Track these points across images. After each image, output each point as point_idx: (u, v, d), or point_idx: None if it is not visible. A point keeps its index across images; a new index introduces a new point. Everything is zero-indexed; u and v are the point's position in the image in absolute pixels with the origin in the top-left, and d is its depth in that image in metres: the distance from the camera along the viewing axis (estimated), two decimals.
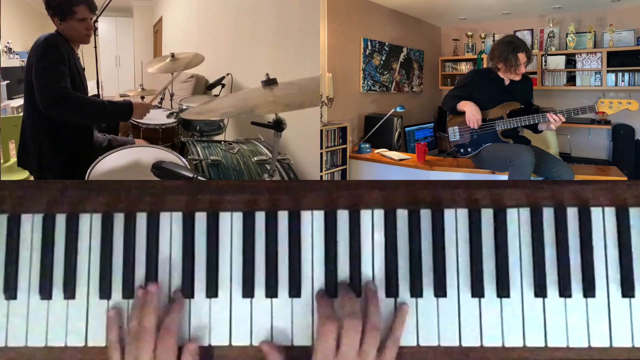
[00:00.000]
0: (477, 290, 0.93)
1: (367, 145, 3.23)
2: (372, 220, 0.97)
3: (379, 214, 0.97)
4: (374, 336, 0.86)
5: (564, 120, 2.23)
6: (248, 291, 0.95)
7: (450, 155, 2.71)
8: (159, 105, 2.79)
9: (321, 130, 2.87)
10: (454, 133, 2.51)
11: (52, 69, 1.64)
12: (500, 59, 2.35)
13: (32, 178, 2.22)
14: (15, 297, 0.97)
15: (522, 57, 2.31)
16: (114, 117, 1.90)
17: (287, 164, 1.93)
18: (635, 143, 3.82)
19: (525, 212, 0.96)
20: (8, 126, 2.63)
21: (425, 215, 0.97)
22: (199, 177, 1.32)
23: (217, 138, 2.49)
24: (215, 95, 2.80)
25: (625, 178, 2.53)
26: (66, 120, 1.71)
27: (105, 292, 0.96)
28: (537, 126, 2.39)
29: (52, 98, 1.60)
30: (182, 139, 2.38)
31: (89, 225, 0.98)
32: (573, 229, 0.95)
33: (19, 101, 3.92)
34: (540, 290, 0.93)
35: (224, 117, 2.29)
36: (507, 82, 2.43)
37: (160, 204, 0.97)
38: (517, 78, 2.39)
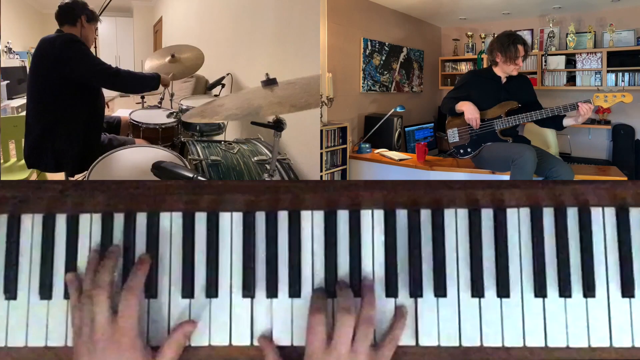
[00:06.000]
0: (477, 290, 0.93)
1: (367, 145, 3.23)
2: (372, 220, 0.97)
3: (379, 214, 0.97)
4: (365, 331, 0.86)
5: (592, 109, 2.18)
6: (248, 291, 0.95)
7: (450, 156, 2.71)
8: (159, 105, 2.79)
9: (321, 130, 2.87)
10: (453, 135, 2.52)
11: (93, 56, 2.03)
12: (500, 50, 2.36)
13: (33, 178, 2.22)
14: (15, 297, 0.97)
15: (521, 49, 2.34)
16: (149, 85, 2.29)
17: (287, 164, 1.94)
18: (635, 143, 3.82)
19: (525, 212, 0.96)
20: (8, 126, 2.63)
21: (425, 215, 0.97)
22: (199, 177, 1.32)
23: (217, 138, 2.49)
24: (216, 95, 2.80)
25: (625, 178, 2.53)
26: (123, 90, 2.29)
27: None
28: (563, 121, 2.32)
29: (109, 74, 1.98)
30: (182, 139, 2.38)
31: (89, 225, 0.98)
32: (573, 229, 0.95)
33: (19, 101, 3.91)
34: (540, 290, 0.93)
35: (228, 120, 2.45)
36: (504, 80, 2.44)
37: (160, 204, 0.97)
38: (515, 72, 2.40)
